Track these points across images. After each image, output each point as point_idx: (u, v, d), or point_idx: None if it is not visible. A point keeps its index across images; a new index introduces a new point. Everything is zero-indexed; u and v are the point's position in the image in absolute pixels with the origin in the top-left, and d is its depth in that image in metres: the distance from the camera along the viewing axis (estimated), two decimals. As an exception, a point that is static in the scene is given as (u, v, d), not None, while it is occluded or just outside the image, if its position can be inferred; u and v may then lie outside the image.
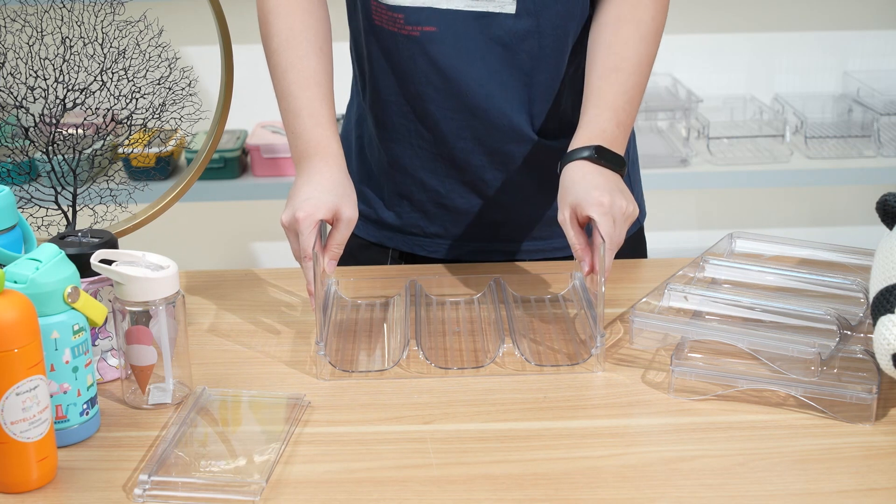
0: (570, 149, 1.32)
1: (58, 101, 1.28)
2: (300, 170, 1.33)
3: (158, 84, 1.31)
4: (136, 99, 1.31)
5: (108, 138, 1.32)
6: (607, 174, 1.30)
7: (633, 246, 1.62)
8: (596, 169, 1.29)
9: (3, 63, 1.26)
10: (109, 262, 1.14)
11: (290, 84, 1.36)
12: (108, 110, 1.30)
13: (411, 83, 1.44)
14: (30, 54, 1.26)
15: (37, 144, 1.29)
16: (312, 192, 1.28)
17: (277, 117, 2.87)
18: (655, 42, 1.39)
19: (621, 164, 1.32)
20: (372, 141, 1.54)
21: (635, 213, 1.28)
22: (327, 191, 1.29)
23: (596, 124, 1.33)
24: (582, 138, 1.32)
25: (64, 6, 1.27)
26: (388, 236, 1.56)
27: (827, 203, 3.13)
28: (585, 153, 1.30)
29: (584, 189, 1.26)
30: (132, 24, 1.29)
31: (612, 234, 1.23)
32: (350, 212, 1.29)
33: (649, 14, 1.37)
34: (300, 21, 1.38)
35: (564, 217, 1.27)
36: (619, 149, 1.33)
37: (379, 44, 1.44)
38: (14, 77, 1.27)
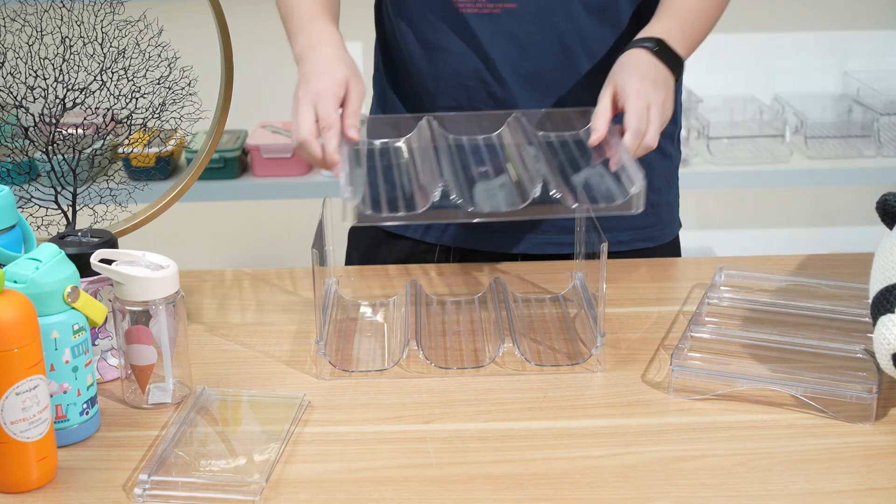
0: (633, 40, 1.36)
1: (57, 100, 1.28)
2: (303, 60, 1.32)
3: (158, 84, 1.31)
4: (136, 98, 1.31)
5: (108, 138, 1.32)
6: (660, 69, 1.31)
7: (671, 252, 1.62)
8: (651, 60, 1.31)
9: (3, 63, 1.26)
10: (109, 262, 1.14)
11: (292, 5, 1.39)
12: (108, 110, 1.30)
13: (492, 64, 1.45)
14: (29, 54, 1.26)
15: (37, 144, 1.29)
16: (324, 67, 1.28)
17: (277, 117, 2.87)
18: None
19: (678, 65, 1.34)
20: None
21: (670, 113, 1.30)
22: (335, 64, 1.29)
23: (663, 25, 1.36)
24: (644, 33, 1.36)
25: (64, 6, 1.27)
26: (452, 234, 1.56)
27: (827, 203, 3.13)
28: (647, 44, 1.33)
29: (632, 74, 1.28)
30: (132, 24, 1.29)
31: (641, 114, 1.24)
32: (359, 84, 1.29)
33: None
34: None
35: (604, 92, 1.29)
36: (680, 53, 1.36)
37: (453, 31, 1.45)
38: (14, 77, 1.26)
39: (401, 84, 1.55)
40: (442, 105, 1.50)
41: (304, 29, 1.36)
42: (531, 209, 1.16)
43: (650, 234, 1.57)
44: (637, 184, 1.17)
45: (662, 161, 1.56)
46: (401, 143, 1.36)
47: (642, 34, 1.36)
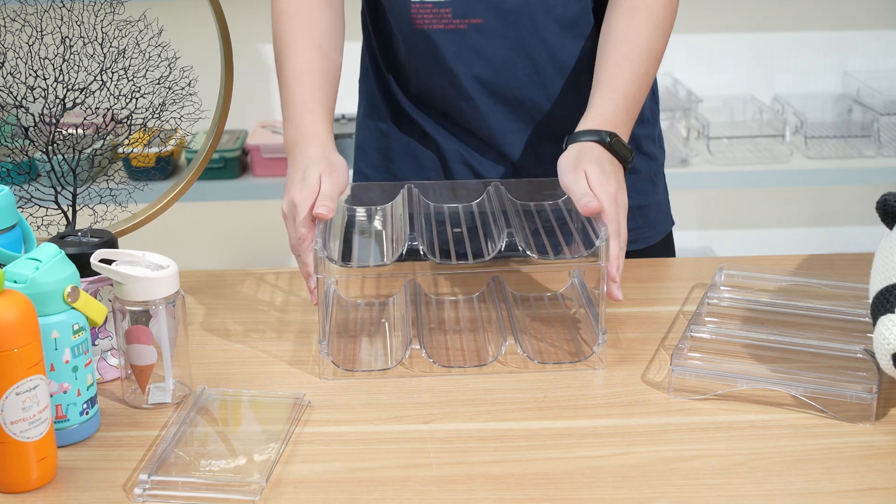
0: (580, 128, 1.32)
1: (58, 100, 1.28)
2: (290, 157, 1.34)
3: (158, 84, 1.31)
4: (136, 98, 1.31)
5: (108, 138, 1.32)
6: (616, 164, 1.30)
7: (663, 250, 1.62)
8: (607, 155, 1.30)
9: (3, 63, 1.26)
10: (109, 262, 1.14)
11: (286, 77, 1.39)
12: (108, 110, 1.30)
13: (456, 80, 1.46)
14: (29, 54, 1.26)
15: (37, 144, 1.29)
16: (301, 175, 1.28)
17: (277, 117, 2.87)
18: (666, 32, 1.40)
19: (628, 158, 1.32)
20: (416, 141, 1.56)
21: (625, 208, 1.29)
22: (313, 167, 1.29)
23: (608, 108, 1.34)
24: (594, 120, 1.33)
25: (64, 6, 1.27)
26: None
27: (827, 203, 3.13)
28: (600, 137, 1.31)
29: (595, 171, 1.25)
30: (132, 24, 1.29)
31: (618, 221, 1.23)
32: (336, 175, 1.28)
33: (661, 5, 1.39)
34: (302, 19, 1.40)
35: (575, 175, 1.26)
36: (626, 137, 1.35)
37: (419, 46, 1.46)
38: (14, 77, 1.26)
39: (385, 92, 1.57)
40: (422, 115, 1.52)
41: (293, 120, 1.36)
42: (498, 261, 1.21)
43: (637, 237, 1.56)
44: (601, 236, 1.19)
45: (646, 163, 1.57)
46: (379, 209, 1.40)
47: (590, 120, 1.33)
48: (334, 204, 1.25)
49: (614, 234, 1.21)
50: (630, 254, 1.55)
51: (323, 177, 1.27)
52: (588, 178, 1.25)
